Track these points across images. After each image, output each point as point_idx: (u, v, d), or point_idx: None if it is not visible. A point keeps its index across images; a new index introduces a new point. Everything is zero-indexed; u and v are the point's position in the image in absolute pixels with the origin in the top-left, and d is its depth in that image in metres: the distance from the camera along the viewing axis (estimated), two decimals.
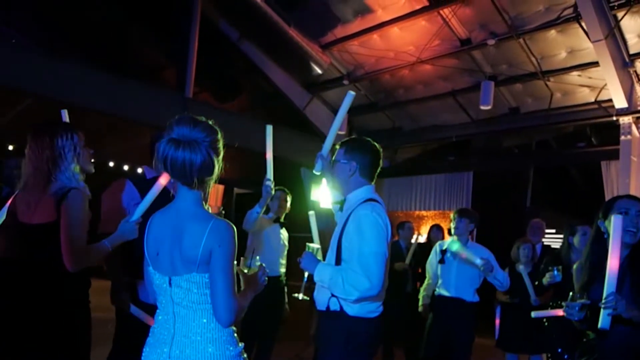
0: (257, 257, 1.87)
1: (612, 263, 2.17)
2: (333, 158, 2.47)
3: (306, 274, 2.60)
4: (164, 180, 2.05)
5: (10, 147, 7.61)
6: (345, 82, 8.00)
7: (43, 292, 2.10)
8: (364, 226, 2.25)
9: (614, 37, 5.64)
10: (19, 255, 2.15)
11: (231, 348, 1.64)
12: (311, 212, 3.00)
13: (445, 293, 4.08)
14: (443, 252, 4.15)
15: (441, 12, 6.36)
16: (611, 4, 5.44)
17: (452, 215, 4.18)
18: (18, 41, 5.72)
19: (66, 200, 2.09)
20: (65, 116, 2.66)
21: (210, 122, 1.67)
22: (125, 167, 9.46)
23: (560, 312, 2.42)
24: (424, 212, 8.80)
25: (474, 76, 7.21)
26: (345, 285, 2.22)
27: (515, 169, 8.79)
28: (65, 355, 2.14)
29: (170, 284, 1.63)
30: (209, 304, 1.61)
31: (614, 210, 2.35)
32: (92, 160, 2.36)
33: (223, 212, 2.37)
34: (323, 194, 7.36)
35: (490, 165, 8.45)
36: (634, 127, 6.07)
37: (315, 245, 2.55)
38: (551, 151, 8.28)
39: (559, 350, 3.76)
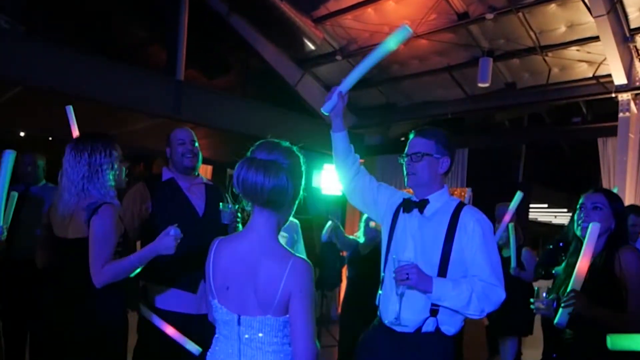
0: None
1: (582, 264, 2.06)
2: (417, 151, 2.08)
3: None
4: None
5: None
6: (338, 57, 7.77)
7: (79, 305, 2.12)
8: (488, 233, 2.01)
9: (616, 11, 5.52)
10: (59, 269, 2.19)
11: None
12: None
13: None
14: None
15: None
16: None
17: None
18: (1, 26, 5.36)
19: (96, 215, 2.06)
20: (71, 112, 2.56)
21: (294, 148, 1.59)
22: None
23: None
24: None
25: (470, 51, 7.05)
26: (480, 301, 1.91)
27: (508, 144, 8.72)
28: None
29: (239, 322, 1.52)
30: (279, 346, 1.51)
31: (584, 206, 2.27)
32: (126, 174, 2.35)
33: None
34: (326, 180, 7.16)
35: (484, 141, 8.37)
36: (632, 104, 6.00)
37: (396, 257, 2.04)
38: (545, 127, 8.20)
39: None
